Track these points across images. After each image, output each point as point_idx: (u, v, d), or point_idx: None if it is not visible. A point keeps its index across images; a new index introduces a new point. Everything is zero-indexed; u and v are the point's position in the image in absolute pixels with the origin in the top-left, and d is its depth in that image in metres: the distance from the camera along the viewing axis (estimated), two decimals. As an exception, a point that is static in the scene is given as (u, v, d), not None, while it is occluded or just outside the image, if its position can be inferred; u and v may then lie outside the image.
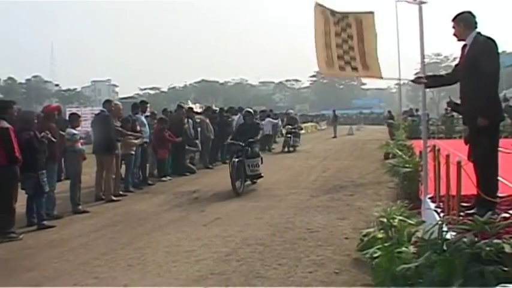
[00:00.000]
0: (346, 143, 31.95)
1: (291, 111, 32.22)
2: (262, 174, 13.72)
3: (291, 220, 9.20)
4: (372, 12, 7.58)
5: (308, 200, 11.21)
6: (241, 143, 13.20)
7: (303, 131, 45.46)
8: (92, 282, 6.21)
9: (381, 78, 7.75)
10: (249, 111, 15.56)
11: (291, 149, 25.50)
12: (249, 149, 13.24)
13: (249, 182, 13.50)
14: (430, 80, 7.19)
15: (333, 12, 7.49)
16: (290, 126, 26.78)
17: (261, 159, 13.91)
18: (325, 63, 7.56)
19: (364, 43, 7.55)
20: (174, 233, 8.56)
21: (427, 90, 7.84)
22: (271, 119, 27.41)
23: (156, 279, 6.26)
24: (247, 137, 13.41)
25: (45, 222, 9.38)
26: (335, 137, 38.58)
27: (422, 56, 7.51)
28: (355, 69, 7.70)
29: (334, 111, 44.87)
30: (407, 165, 10.47)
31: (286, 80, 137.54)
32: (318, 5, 7.33)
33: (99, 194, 12.06)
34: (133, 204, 11.69)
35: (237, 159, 12.62)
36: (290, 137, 25.85)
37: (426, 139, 7.85)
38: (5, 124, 8.70)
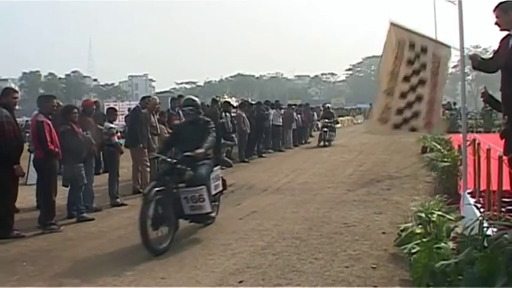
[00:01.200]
0: (383, 136, 31.59)
1: (329, 104, 31.24)
2: (213, 214, 8.55)
3: (327, 214, 9.16)
4: (449, 47, 6.94)
5: (344, 194, 11.15)
6: (171, 160, 8.06)
7: (339, 125, 45.24)
8: (130, 274, 6.27)
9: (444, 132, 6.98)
10: (191, 100, 8.95)
11: (326, 143, 25.09)
12: (186, 169, 7.80)
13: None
14: (478, 62, 6.69)
15: (412, 42, 6.49)
16: (326, 120, 26.26)
17: (219, 184, 8.90)
18: (379, 116, 6.61)
19: (437, 91, 6.82)
20: (210, 226, 8.58)
21: (466, 82, 7.59)
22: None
23: (193, 271, 6.29)
24: (187, 147, 8.05)
25: (84, 215, 9.53)
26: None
27: (462, 50, 7.36)
28: (411, 128, 6.90)
29: (370, 104, 44.44)
30: (445, 160, 10.33)
31: (322, 74, 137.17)
32: (392, 25, 6.38)
33: (136, 187, 12.19)
34: (170, 197, 11.74)
35: (157, 189, 7.34)
36: (326, 131, 25.40)
37: (466, 133, 7.72)
38: (41, 118, 8.85)
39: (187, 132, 8.54)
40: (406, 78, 6.57)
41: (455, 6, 7.21)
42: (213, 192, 8.38)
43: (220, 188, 8.95)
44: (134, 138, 12.35)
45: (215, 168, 8.70)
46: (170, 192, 7.54)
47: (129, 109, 24.70)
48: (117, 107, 14.85)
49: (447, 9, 8.59)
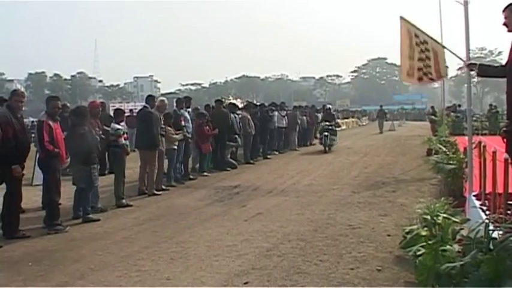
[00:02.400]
0: (388, 138, 31.65)
1: (330, 106, 29.17)
2: None
3: (332, 216, 9.16)
4: (443, 47, 8.34)
5: (349, 196, 11.14)
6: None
7: (343, 127, 45.23)
8: (135, 275, 6.29)
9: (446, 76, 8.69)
10: None
11: (327, 148, 22.99)
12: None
13: None
14: (482, 69, 6.95)
15: (417, 34, 8.25)
16: (327, 123, 23.70)
17: None
18: (406, 72, 8.42)
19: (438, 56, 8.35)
20: (215, 227, 8.61)
21: (471, 84, 7.76)
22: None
23: (198, 272, 6.30)
24: None
25: (90, 216, 9.55)
26: (381, 132, 38.08)
27: (468, 52, 7.36)
28: (431, 78, 8.54)
29: (381, 106, 44.30)
30: (451, 162, 10.30)
31: (327, 75, 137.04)
32: (402, 19, 8.11)
33: (142, 188, 12.22)
34: (176, 198, 11.80)
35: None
36: (327, 135, 23.01)
37: (471, 135, 7.72)
38: (43, 117, 8.91)
39: None
40: (421, 51, 8.36)
41: (461, 6, 7.24)
42: None
43: None
44: (147, 140, 12.36)
45: None
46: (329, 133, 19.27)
47: (130, 110, 24.80)
48: (122, 108, 14.86)
49: (453, 10, 8.77)
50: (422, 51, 8.26)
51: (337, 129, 24.90)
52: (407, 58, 8.21)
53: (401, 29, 8.39)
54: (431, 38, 8.31)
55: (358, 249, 6.99)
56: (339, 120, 47.45)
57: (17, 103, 8.66)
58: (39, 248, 7.77)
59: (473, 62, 7.25)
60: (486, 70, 7.12)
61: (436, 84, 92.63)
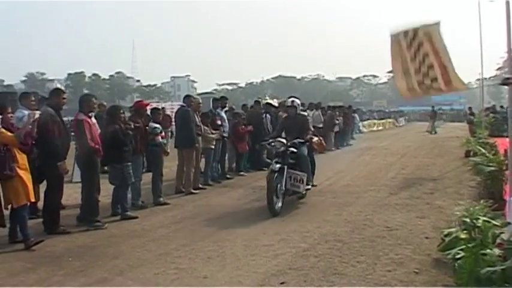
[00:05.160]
0: (425, 140, 31.27)
1: (295, 99, 12.14)
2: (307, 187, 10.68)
3: (370, 217, 9.11)
4: (437, 23, 8.00)
5: (387, 198, 11.06)
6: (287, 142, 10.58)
7: (380, 128, 44.94)
8: (172, 272, 6.37)
9: (466, 89, 8.21)
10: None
11: (278, 208, 9.88)
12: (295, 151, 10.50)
13: None
14: None
15: (405, 33, 8.09)
16: (282, 141, 10.72)
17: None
18: (407, 89, 8.37)
19: (441, 56, 7.99)
20: (252, 227, 8.66)
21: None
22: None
23: (235, 272, 6.35)
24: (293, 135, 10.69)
25: (128, 213, 9.70)
26: (435, 132, 37.43)
27: (510, 51, 7.21)
28: (438, 89, 8.32)
29: (433, 107, 43.71)
30: (490, 164, 10.15)
31: (364, 76, 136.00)
32: (392, 36, 8.07)
33: (179, 187, 12.34)
34: (212, 197, 11.89)
35: (279, 166, 10.10)
36: (279, 172, 10.08)
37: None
38: (81, 116, 9.07)
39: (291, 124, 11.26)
40: (412, 59, 8.19)
41: (497, 4, 7.16)
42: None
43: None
44: (186, 139, 12.48)
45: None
46: (284, 170, 10.03)
47: (162, 108, 24.93)
48: (160, 107, 15.03)
49: (494, 9, 8.63)
50: (413, 59, 8.18)
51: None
52: (403, 76, 8.27)
53: (391, 48, 8.19)
54: (423, 25, 8.04)
55: (395, 251, 6.94)
56: (374, 121, 46.94)
57: (59, 101, 8.86)
58: (79, 244, 7.94)
59: (508, 76, 7.06)
60: None
61: (475, 85, 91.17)
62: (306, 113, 13.78)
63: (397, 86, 8.48)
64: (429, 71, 8.16)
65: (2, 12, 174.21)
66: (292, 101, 11.53)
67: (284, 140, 10.63)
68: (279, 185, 9.83)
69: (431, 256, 6.64)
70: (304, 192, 10.66)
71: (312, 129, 12.12)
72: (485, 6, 23.77)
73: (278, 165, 9.96)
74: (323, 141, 13.39)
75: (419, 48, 8.08)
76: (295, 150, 10.51)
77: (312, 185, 11.29)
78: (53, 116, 8.48)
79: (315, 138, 12.05)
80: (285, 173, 10.09)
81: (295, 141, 10.64)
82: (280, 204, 9.79)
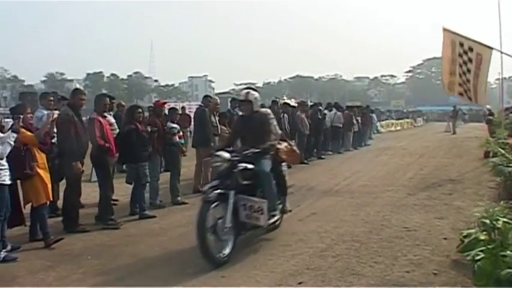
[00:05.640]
0: (444, 140, 31.06)
1: (248, 92, 8.90)
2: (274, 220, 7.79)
3: (387, 218, 9.08)
4: (491, 48, 8.74)
5: (405, 198, 11.01)
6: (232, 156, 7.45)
7: (398, 128, 44.68)
8: (191, 271, 6.40)
9: (484, 104, 9.35)
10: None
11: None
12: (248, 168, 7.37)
13: None
14: None
15: (461, 42, 8.79)
16: (221, 156, 7.61)
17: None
18: (447, 86, 9.27)
19: (479, 77, 9.09)
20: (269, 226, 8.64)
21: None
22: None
23: (253, 271, 6.36)
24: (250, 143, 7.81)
25: (146, 212, 9.75)
26: (454, 133, 37.12)
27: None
28: (469, 98, 9.45)
29: (454, 107, 43.37)
30: (510, 165, 10.05)
31: (381, 75, 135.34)
32: (445, 30, 8.38)
33: (197, 187, 12.34)
34: (230, 197, 11.87)
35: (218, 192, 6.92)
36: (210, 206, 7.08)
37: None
38: (93, 115, 9.17)
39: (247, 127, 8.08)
40: (460, 65, 9.16)
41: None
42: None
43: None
44: (202, 138, 12.53)
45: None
46: (229, 197, 6.92)
47: (182, 108, 25.00)
48: (177, 107, 15.10)
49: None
50: (465, 63, 8.81)
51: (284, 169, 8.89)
52: (448, 74, 8.84)
53: (443, 41, 8.64)
54: (479, 43, 8.60)
55: (413, 252, 6.91)
56: (392, 121, 46.76)
57: (78, 101, 8.94)
58: (98, 243, 8.01)
59: None
60: None
61: (493, 85, 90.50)
62: (266, 109, 8.69)
63: (442, 80, 9.17)
64: (467, 82, 8.87)
65: (23, 14, 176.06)
66: (247, 93, 8.11)
67: (226, 154, 7.34)
68: (220, 221, 6.80)
69: (450, 257, 6.60)
70: (268, 224, 7.53)
71: (279, 131, 8.33)
72: (505, 4, 23.48)
73: (216, 192, 6.83)
74: (295, 148, 9.14)
75: (468, 62, 8.88)
76: (249, 166, 7.39)
77: (284, 211, 8.46)
78: (70, 116, 8.55)
79: (283, 145, 8.40)
80: (229, 201, 6.88)
81: (248, 152, 7.50)
82: (227, 249, 6.84)
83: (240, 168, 7.22)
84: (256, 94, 8.17)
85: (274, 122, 8.12)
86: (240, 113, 9.29)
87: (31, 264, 6.89)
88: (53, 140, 8.71)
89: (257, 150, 7.50)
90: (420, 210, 9.67)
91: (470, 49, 8.74)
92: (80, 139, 8.68)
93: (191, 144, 13.14)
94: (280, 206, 8.14)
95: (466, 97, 8.84)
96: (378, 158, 20.31)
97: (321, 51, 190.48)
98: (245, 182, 7.27)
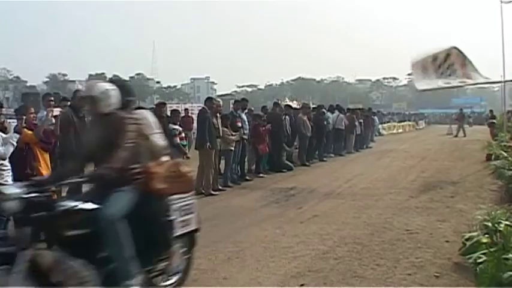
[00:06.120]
0: (446, 143, 31.02)
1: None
2: None
3: (389, 220, 9.07)
4: (454, 47, 9.58)
5: (407, 201, 10.99)
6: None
7: (399, 130, 44.66)
8: (192, 273, 6.37)
9: (485, 79, 9.15)
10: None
11: None
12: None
13: None
14: None
15: (434, 57, 9.63)
16: None
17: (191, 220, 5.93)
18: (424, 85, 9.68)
19: (467, 65, 9.64)
20: (271, 228, 8.65)
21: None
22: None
23: (255, 273, 6.36)
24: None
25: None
26: (464, 135, 36.95)
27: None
28: (455, 77, 9.62)
29: (461, 109, 43.29)
30: (513, 168, 10.07)
31: (383, 78, 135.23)
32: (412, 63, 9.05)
33: (199, 188, 12.35)
34: (232, 199, 11.91)
35: None
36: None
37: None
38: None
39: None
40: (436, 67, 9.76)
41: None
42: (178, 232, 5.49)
43: (193, 227, 5.94)
44: (202, 140, 12.59)
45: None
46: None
47: (185, 109, 25.03)
48: (179, 109, 15.17)
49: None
50: (441, 65, 9.08)
51: None
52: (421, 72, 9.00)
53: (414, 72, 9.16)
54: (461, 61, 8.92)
55: (415, 255, 6.90)
56: (394, 124, 46.81)
57: (79, 103, 8.95)
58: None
59: None
60: None
61: (496, 88, 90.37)
62: (138, 111, 5.71)
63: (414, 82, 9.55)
64: (449, 68, 8.97)
65: (25, 14, 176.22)
66: (91, 86, 5.07)
67: (14, 189, 4.18)
68: None
69: (452, 260, 6.58)
70: None
71: (161, 143, 6.02)
72: (507, 7, 23.46)
73: None
74: (187, 169, 5.47)
75: (446, 63, 8.96)
76: (85, 205, 4.46)
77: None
78: (69, 117, 8.58)
79: (163, 166, 5.16)
80: (17, 267, 3.96)
81: (82, 178, 4.69)
82: None
83: (62, 209, 4.30)
84: (108, 87, 4.99)
85: (131, 132, 4.85)
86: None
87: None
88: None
89: (82, 178, 4.70)
90: (422, 213, 9.65)
91: (448, 56, 9.10)
92: (80, 140, 8.69)
93: (194, 146, 13.15)
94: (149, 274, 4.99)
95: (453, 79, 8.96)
96: (380, 161, 20.29)
97: (323, 53, 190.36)
98: (75, 233, 4.31)
